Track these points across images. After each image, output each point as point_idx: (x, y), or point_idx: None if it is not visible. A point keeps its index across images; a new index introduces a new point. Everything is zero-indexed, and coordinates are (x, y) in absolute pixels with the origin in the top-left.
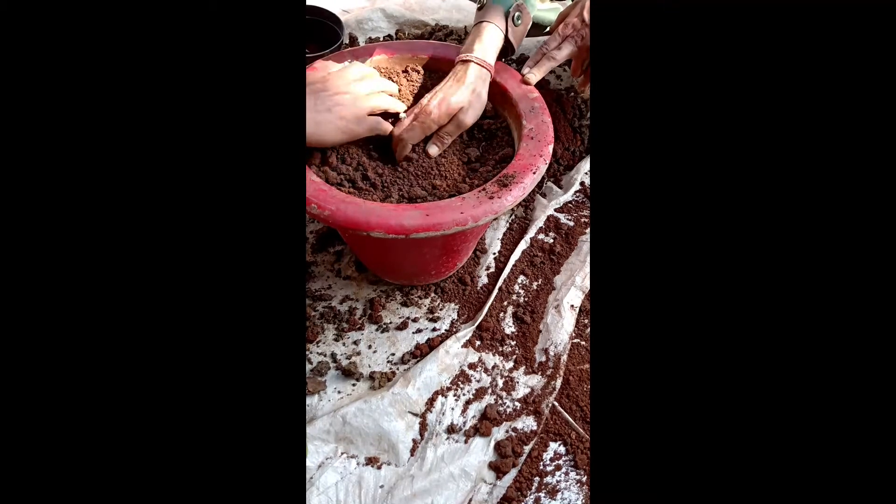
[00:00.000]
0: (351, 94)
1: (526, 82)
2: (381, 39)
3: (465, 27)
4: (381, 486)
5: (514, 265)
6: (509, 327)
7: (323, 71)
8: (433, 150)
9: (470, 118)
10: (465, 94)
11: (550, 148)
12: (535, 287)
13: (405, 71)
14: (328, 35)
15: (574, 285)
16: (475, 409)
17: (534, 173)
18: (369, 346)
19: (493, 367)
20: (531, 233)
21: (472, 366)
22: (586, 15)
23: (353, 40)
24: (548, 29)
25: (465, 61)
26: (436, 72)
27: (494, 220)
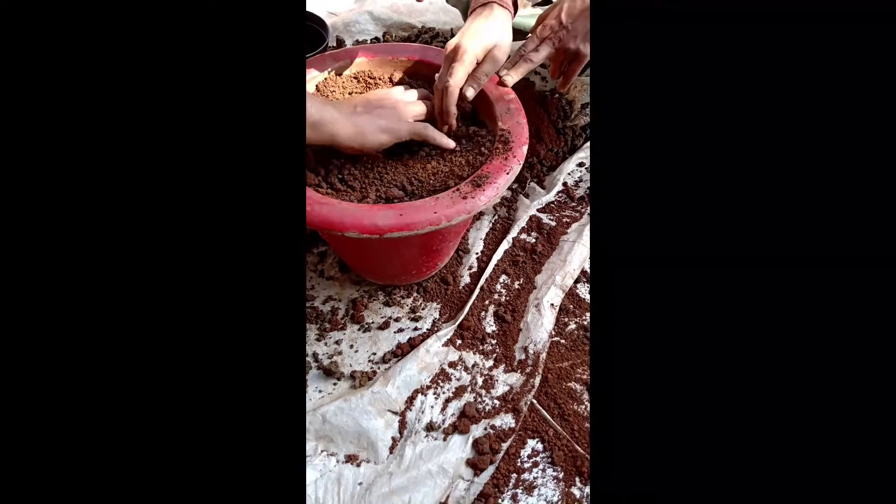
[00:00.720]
0: (392, 98)
1: (503, 84)
2: (369, 42)
3: (452, 29)
4: (360, 484)
5: (496, 265)
6: (490, 326)
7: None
8: (470, 91)
9: (502, 55)
10: (495, 29)
11: (524, 149)
12: (517, 286)
13: (390, 79)
14: (313, 38)
15: (554, 284)
16: (454, 407)
17: (507, 174)
18: (351, 346)
19: (474, 366)
20: (513, 233)
21: (452, 364)
22: (564, 17)
23: (340, 43)
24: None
25: (487, 3)
26: (420, 76)
27: (476, 219)
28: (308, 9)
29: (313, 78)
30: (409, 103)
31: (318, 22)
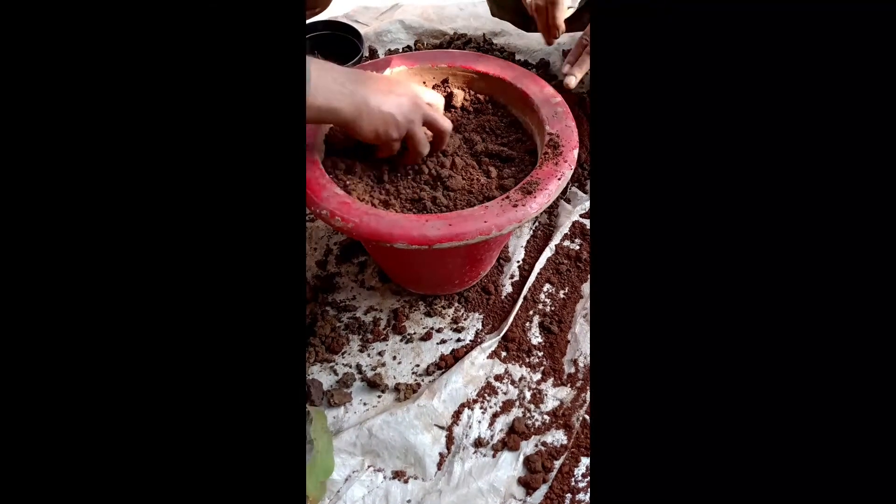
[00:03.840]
0: (411, 106)
1: (567, 87)
2: (401, 51)
3: (484, 35)
4: (409, 501)
5: (539, 273)
6: (536, 337)
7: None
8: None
9: None
10: None
11: (575, 153)
12: (562, 296)
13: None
14: (348, 49)
15: None
16: (503, 422)
17: (559, 179)
18: (394, 357)
19: (521, 379)
20: (556, 239)
21: (498, 377)
22: None
23: (373, 53)
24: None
25: None
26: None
27: (518, 227)
28: (341, 19)
29: None
30: (419, 105)
31: (353, 33)
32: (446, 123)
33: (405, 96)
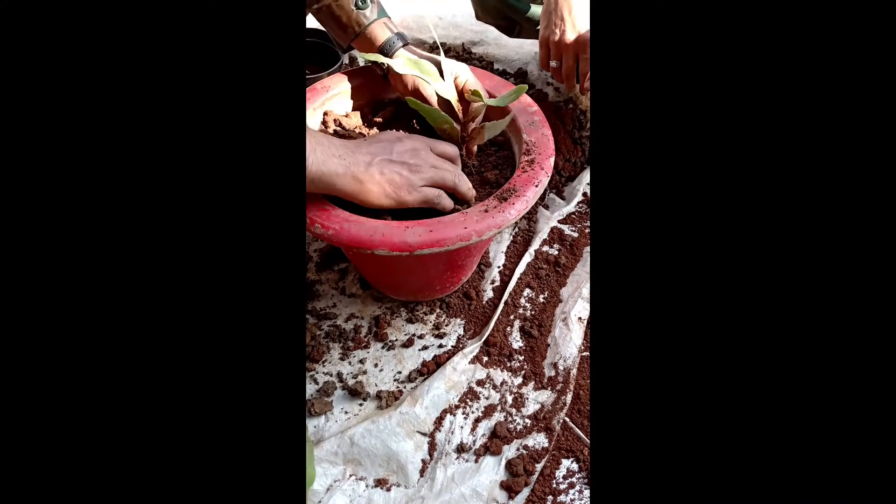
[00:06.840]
0: (416, 162)
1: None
2: None
3: (463, 44)
4: None
5: (519, 278)
6: (517, 342)
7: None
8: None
9: None
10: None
11: (552, 160)
12: (542, 300)
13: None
14: (329, 57)
15: (581, 297)
16: (485, 426)
17: (536, 186)
18: (375, 365)
19: (502, 384)
20: (535, 245)
21: (480, 382)
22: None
23: (353, 61)
24: None
25: None
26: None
27: (498, 233)
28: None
29: (335, 95)
30: (435, 167)
31: (333, 41)
32: (463, 185)
33: (407, 152)
